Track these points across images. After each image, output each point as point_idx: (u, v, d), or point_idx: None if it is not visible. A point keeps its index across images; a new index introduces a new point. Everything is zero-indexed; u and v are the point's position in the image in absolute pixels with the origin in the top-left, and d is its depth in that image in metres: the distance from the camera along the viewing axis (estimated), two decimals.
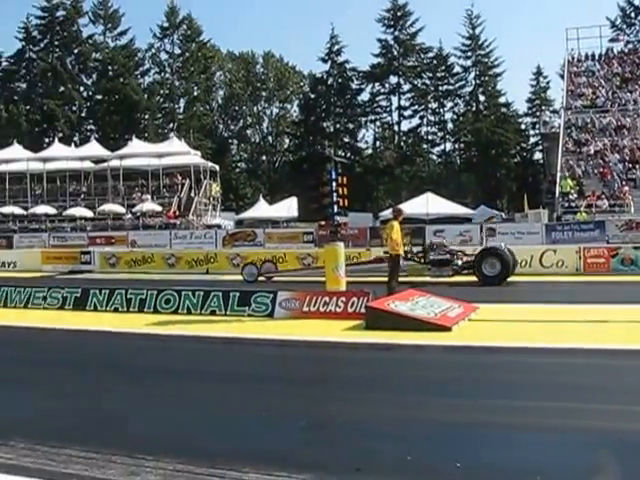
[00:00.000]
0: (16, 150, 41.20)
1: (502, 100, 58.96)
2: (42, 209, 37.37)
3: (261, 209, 40.90)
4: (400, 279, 13.43)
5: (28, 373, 7.73)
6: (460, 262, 17.40)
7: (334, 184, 12.13)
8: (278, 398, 6.28)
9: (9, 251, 28.74)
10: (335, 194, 12.14)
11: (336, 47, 60.46)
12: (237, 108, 65.79)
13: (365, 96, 61.47)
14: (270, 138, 66.09)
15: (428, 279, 16.81)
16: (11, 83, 61.46)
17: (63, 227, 35.70)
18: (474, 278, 16.79)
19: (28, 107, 58.96)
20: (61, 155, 40.03)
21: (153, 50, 62.69)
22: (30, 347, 9.65)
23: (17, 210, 37.71)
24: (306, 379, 7.34)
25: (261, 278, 18.53)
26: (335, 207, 12.18)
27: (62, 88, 59.15)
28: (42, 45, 61.24)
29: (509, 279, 16.75)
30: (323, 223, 17.54)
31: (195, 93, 63.32)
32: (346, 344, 9.08)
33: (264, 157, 65.81)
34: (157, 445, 4.76)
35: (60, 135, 51.95)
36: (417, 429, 5.20)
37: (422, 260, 17.54)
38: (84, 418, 5.72)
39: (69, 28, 60.37)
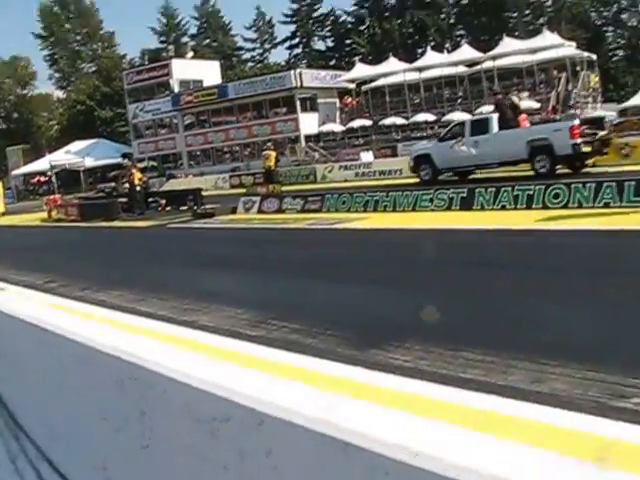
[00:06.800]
0: (392, 63, 42.84)
1: None
2: (422, 117, 38.58)
3: None
4: None
5: (418, 273, 7.76)
6: None
7: None
8: None
9: (394, 159, 30.15)
10: None
11: None
12: None
13: None
14: None
15: None
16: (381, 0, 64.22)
17: None
18: None
19: (399, 21, 61.10)
20: (435, 63, 40.40)
21: None
22: (414, 248, 9.35)
23: (398, 120, 39.54)
24: None
25: None
26: None
27: None
28: None
29: None
30: None
31: None
32: None
33: None
34: (562, 349, 4.30)
35: (432, 44, 52.53)
36: None
37: None
38: (477, 320, 5.51)
39: None
